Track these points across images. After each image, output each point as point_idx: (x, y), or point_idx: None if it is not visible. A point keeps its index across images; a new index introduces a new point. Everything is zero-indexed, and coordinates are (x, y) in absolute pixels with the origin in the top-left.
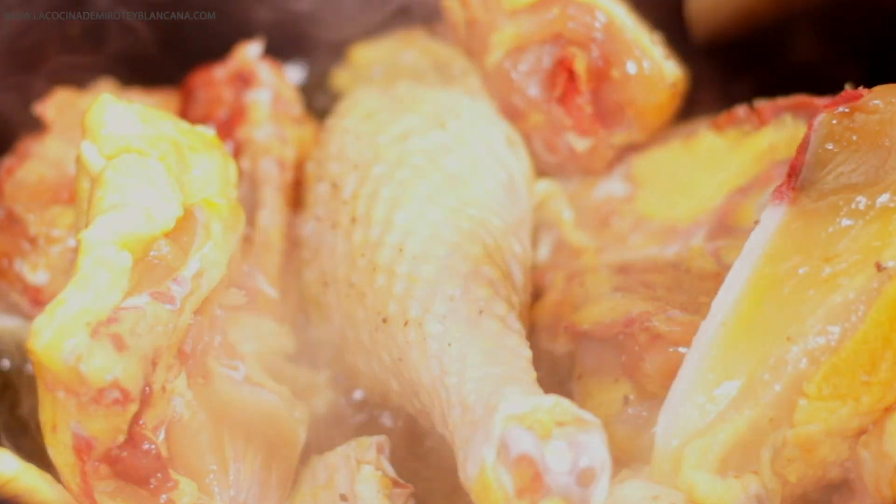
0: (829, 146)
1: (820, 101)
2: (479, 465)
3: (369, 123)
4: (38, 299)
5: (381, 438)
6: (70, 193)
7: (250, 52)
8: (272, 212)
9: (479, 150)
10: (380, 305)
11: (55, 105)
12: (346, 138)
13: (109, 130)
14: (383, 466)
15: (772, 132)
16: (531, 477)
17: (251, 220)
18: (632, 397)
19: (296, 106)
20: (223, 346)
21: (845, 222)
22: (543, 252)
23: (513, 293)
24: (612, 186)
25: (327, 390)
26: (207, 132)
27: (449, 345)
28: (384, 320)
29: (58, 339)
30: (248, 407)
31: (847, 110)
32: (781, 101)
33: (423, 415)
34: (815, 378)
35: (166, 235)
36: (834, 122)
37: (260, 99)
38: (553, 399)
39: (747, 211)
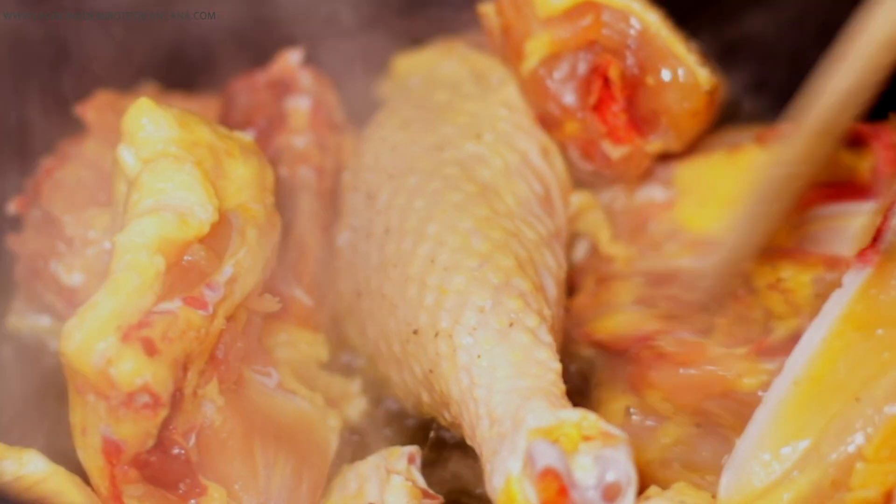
0: None
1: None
2: (504, 477)
3: (405, 133)
4: (72, 301)
5: (413, 448)
6: (108, 196)
7: (292, 59)
8: (309, 219)
9: (514, 162)
10: (411, 317)
11: (96, 107)
12: (383, 148)
13: (147, 134)
14: (413, 476)
15: None
16: (556, 491)
17: (288, 228)
18: (633, 409)
19: (337, 114)
20: (256, 352)
21: None
22: (579, 254)
23: (545, 306)
24: (653, 192)
25: (360, 399)
26: (245, 137)
27: (479, 356)
28: (415, 332)
29: (88, 342)
30: (280, 413)
31: None
32: None
33: (453, 426)
34: (874, 440)
35: (201, 240)
36: None
37: (300, 106)
38: (580, 413)
39: (782, 230)
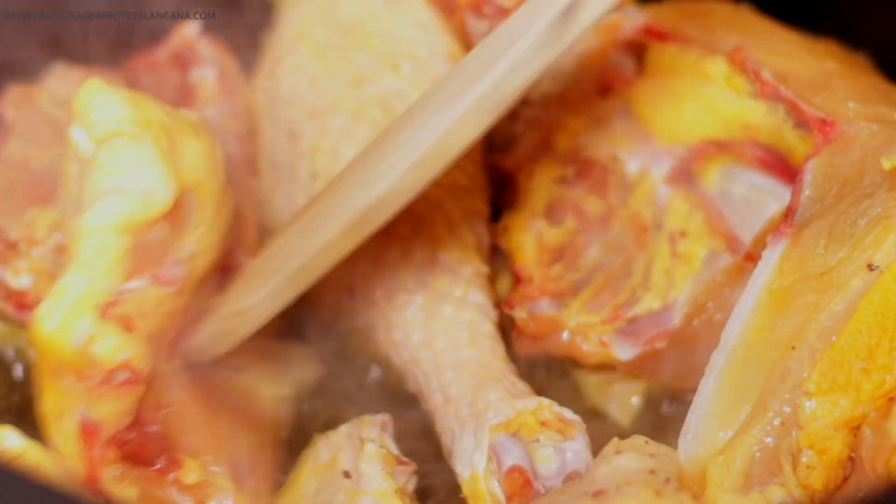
0: (822, 183)
1: (809, 111)
2: (470, 472)
3: (321, 64)
4: (22, 303)
5: (385, 417)
6: (43, 193)
7: (189, 31)
8: (241, 187)
9: None
10: (345, 280)
11: (13, 103)
12: (300, 80)
13: (99, 115)
14: (387, 444)
15: (763, 112)
16: (521, 483)
17: None
18: None
19: (239, 77)
20: None
21: (839, 238)
22: (538, 93)
23: (480, 264)
24: (623, 60)
25: (311, 365)
26: (191, 115)
27: (412, 333)
28: (351, 293)
29: (67, 322)
30: (235, 384)
31: (835, 149)
32: (784, 91)
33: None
34: (812, 375)
35: (163, 218)
36: (825, 162)
37: (206, 77)
38: (535, 402)
39: (712, 169)
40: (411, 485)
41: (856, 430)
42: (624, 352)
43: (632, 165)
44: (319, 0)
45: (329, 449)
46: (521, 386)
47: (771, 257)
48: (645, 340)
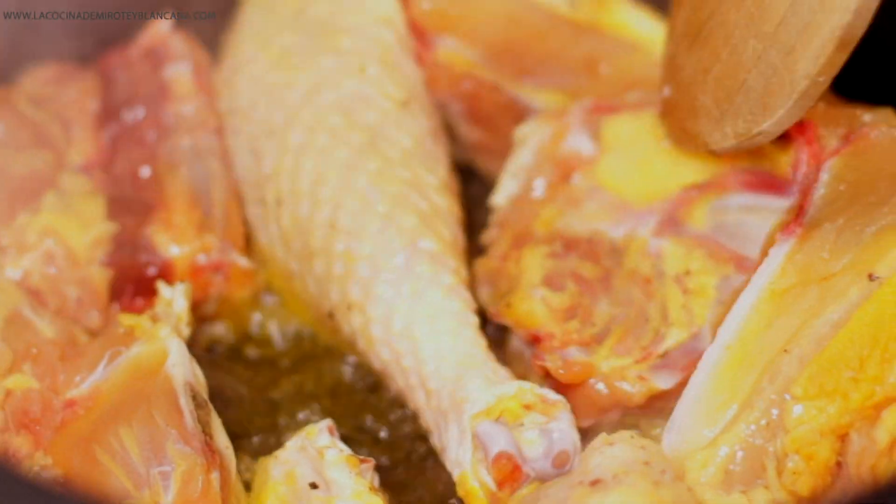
0: (837, 185)
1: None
2: (460, 468)
3: (280, 72)
4: None
5: (328, 421)
6: (27, 196)
7: (162, 27)
8: (224, 183)
9: (402, 98)
10: (324, 297)
11: None
12: (257, 92)
13: None
14: (340, 447)
15: None
16: (511, 469)
17: (208, 196)
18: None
19: (214, 71)
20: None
21: (844, 244)
22: (503, 197)
23: (457, 261)
24: (580, 142)
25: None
26: None
27: (393, 324)
28: (330, 315)
29: None
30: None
31: (855, 150)
32: None
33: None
34: (800, 379)
35: None
36: (843, 164)
37: (181, 72)
38: (515, 386)
39: (699, 210)
40: (376, 480)
41: (843, 436)
42: (664, 381)
43: (616, 233)
44: (288, 2)
45: (281, 467)
46: (503, 373)
47: (776, 257)
48: (682, 366)
